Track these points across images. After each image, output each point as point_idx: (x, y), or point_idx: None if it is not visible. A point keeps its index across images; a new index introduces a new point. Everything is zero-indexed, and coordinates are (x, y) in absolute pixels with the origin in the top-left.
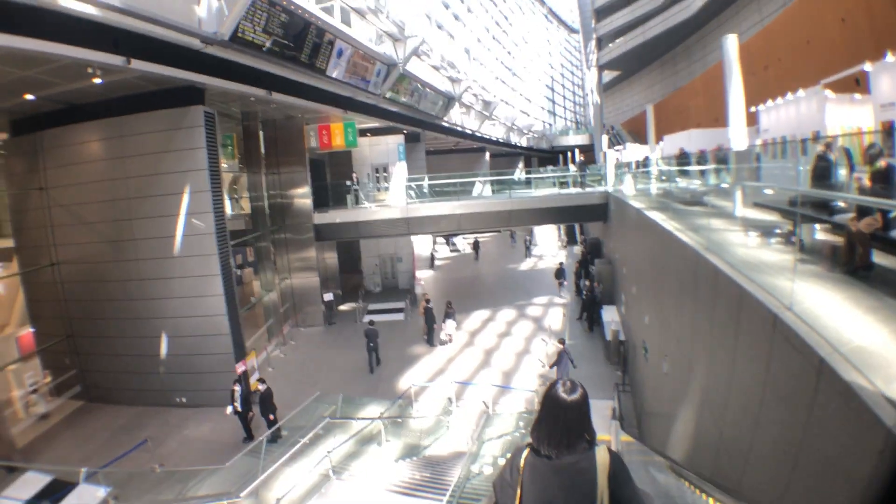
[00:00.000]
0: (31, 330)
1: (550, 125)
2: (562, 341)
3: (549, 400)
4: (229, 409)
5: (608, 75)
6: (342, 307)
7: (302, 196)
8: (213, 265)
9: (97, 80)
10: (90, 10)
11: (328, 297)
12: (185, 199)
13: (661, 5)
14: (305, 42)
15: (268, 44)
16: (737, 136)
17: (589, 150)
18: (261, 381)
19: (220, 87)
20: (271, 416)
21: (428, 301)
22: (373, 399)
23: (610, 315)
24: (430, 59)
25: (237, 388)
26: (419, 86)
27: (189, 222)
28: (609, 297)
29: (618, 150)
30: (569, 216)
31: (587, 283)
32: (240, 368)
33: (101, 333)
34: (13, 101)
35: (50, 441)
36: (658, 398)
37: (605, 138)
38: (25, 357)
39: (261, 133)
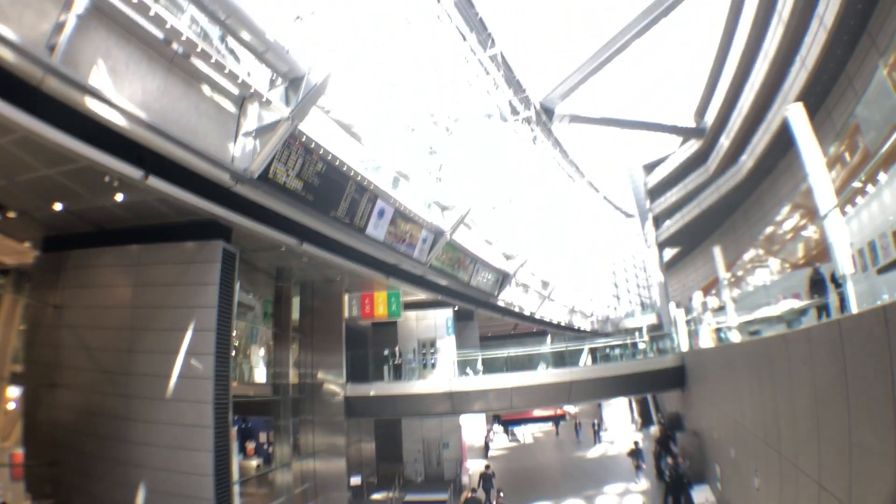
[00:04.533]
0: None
1: (615, 308)
2: None
3: None
4: None
5: (669, 252)
6: (375, 496)
7: (335, 371)
8: (206, 415)
9: (119, 197)
10: (117, 120)
11: (355, 480)
12: (188, 336)
13: (712, 176)
14: (343, 196)
15: (301, 191)
16: (835, 227)
17: (657, 329)
18: None
19: (247, 228)
20: None
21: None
22: None
23: (702, 495)
24: (482, 233)
25: None
26: (470, 260)
27: (187, 362)
28: (698, 475)
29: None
30: (639, 386)
31: (670, 460)
32: None
33: (84, 470)
34: (45, 212)
35: None
36: None
37: (672, 304)
38: (14, 473)
39: (297, 299)
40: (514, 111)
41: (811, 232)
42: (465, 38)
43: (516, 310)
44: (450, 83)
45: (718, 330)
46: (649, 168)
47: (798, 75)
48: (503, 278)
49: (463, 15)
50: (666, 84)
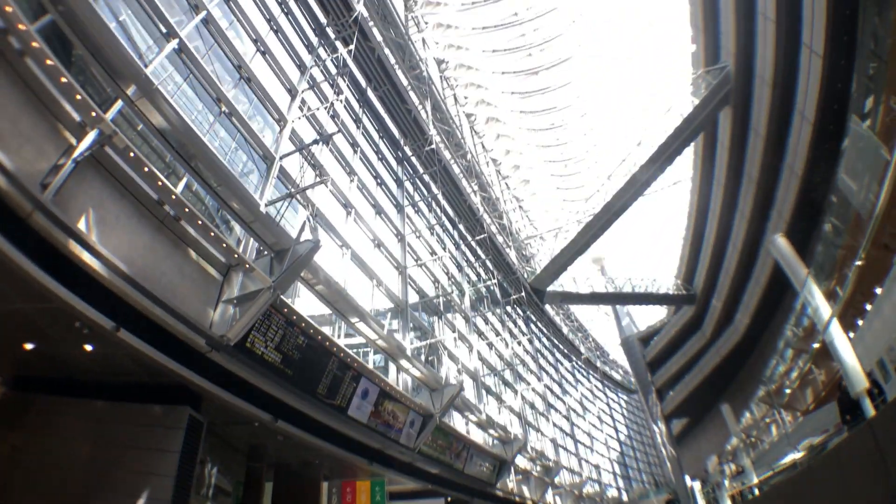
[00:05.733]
0: None
1: (628, 491)
2: None
3: None
4: None
5: (678, 425)
6: None
7: None
8: None
9: (88, 346)
10: (98, 268)
11: None
12: None
13: (709, 339)
14: (325, 372)
15: (279, 364)
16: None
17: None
18: None
19: (218, 397)
20: None
21: None
22: None
23: None
24: (476, 416)
25: None
26: (462, 446)
27: None
28: None
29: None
30: None
31: None
32: None
33: None
34: (16, 350)
35: None
36: None
37: (686, 477)
38: None
39: (270, 484)
40: (506, 293)
41: (816, 373)
42: (454, 226)
43: (517, 499)
44: (439, 266)
45: (741, 493)
46: (645, 340)
47: (777, 226)
48: (501, 465)
49: (451, 203)
50: (653, 255)
